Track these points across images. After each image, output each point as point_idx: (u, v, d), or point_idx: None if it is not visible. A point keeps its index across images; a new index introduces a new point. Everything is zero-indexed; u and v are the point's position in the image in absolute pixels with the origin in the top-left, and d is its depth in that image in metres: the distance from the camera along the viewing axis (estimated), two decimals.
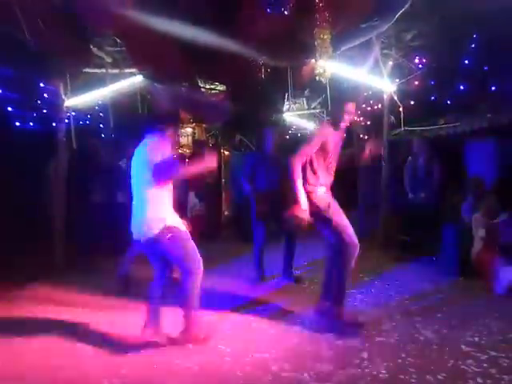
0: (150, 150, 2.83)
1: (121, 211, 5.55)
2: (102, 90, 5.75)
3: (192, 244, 2.93)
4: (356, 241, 3.12)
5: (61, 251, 5.40)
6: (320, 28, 3.92)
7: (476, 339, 2.88)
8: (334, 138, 3.24)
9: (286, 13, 3.97)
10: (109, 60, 5.57)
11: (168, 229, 2.81)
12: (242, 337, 3.10)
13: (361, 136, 8.54)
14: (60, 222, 5.43)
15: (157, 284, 3.03)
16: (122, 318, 3.53)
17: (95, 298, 4.02)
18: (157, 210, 2.84)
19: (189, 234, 2.96)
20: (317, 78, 4.58)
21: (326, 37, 3.94)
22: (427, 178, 4.98)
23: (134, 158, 2.97)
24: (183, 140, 8.40)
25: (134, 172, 2.96)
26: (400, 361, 2.63)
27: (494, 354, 2.66)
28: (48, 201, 5.65)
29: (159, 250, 2.90)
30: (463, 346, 2.78)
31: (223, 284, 4.47)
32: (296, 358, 2.72)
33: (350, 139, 8.59)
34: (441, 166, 5.00)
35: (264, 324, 3.29)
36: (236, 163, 8.58)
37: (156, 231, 2.79)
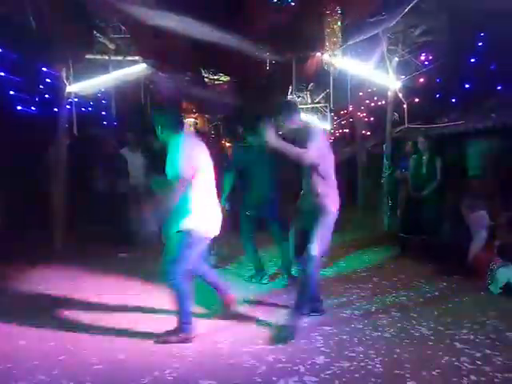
0: None
1: (122, 200, 5.60)
2: (105, 77, 5.70)
3: None
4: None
5: (60, 237, 5.41)
6: (330, 17, 3.87)
7: (471, 337, 2.90)
8: None
9: (292, 4, 3.94)
10: (112, 47, 5.53)
11: None
12: (240, 328, 3.11)
13: (363, 132, 8.52)
14: (59, 207, 5.43)
15: None
16: (121, 304, 3.54)
17: (93, 284, 4.04)
18: None
19: None
20: (325, 66, 4.56)
21: (335, 27, 3.89)
22: (429, 177, 4.98)
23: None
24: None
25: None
26: (395, 356, 2.64)
27: (488, 352, 2.68)
28: (48, 186, 5.64)
29: None
30: (458, 344, 2.80)
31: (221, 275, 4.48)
32: (292, 350, 2.74)
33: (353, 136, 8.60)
34: (443, 165, 5.00)
35: (261, 317, 3.30)
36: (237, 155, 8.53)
37: None
